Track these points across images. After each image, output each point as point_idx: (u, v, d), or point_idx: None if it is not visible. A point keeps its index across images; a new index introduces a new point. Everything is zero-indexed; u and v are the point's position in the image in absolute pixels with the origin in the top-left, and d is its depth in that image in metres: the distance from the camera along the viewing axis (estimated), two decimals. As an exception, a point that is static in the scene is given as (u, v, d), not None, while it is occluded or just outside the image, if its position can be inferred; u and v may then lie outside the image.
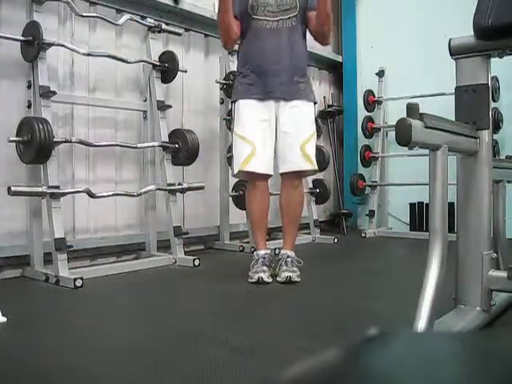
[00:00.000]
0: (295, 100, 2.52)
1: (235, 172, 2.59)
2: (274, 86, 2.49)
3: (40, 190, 2.47)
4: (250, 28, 2.53)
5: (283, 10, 2.50)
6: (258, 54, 2.51)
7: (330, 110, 4.86)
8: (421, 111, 1.36)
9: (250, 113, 2.52)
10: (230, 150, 3.36)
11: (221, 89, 3.57)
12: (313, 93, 2.64)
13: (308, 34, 2.64)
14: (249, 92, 2.53)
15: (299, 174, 2.61)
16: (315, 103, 2.65)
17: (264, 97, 2.51)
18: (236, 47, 2.82)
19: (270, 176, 2.59)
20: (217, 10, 2.58)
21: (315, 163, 2.58)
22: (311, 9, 2.54)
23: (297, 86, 2.52)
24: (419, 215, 4.35)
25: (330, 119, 4.92)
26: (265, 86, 2.50)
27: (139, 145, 3.05)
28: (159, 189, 3.07)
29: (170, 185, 3.08)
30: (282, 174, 2.60)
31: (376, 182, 4.58)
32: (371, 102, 4.72)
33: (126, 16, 3.03)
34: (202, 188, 3.20)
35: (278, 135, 2.55)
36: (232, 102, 2.64)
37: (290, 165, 2.53)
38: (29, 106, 2.62)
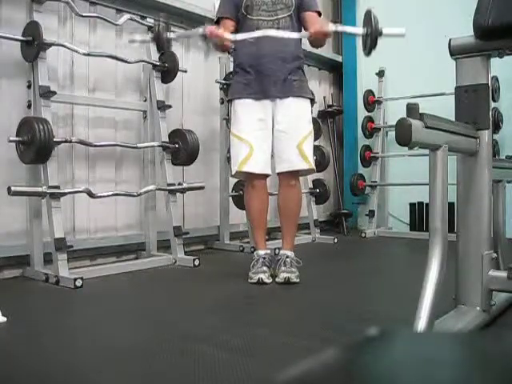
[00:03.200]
0: (291, 97, 2.51)
1: (233, 173, 2.60)
2: (270, 86, 2.49)
3: (40, 189, 2.47)
4: (245, 28, 2.52)
5: (279, 8, 2.50)
6: (253, 54, 2.50)
7: (329, 109, 4.86)
8: (421, 111, 1.36)
9: (247, 112, 2.52)
10: (229, 150, 3.37)
11: (221, 89, 3.57)
12: (308, 89, 2.63)
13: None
14: (244, 91, 2.53)
15: (296, 174, 2.60)
16: (312, 100, 2.65)
17: (259, 96, 2.51)
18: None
19: (267, 176, 2.59)
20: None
21: (312, 162, 2.57)
22: (306, 9, 2.54)
23: (291, 85, 2.52)
24: (419, 215, 4.35)
25: (330, 119, 4.92)
26: (260, 86, 2.50)
27: (139, 145, 3.05)
28: (159, 189, 3.07)
29: (169, 185, 3.08)
30: (278, 174, 2.60)
31: (376, 182, 4.58)
32: (371, 101, 4.72)
33: (126, 16, 3.03)
34: (202, 188, 3.20)
35: (274, 134, 2.54)
36: (228, 101, 2.64)
37: (286, 164, 2.53)
38: (29, 106, 2.62)
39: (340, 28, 2.38)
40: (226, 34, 2.35)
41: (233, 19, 2.54)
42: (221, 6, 2.61)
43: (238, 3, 2.52)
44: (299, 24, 2.57)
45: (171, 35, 2.31)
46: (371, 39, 2.12)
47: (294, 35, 2.49)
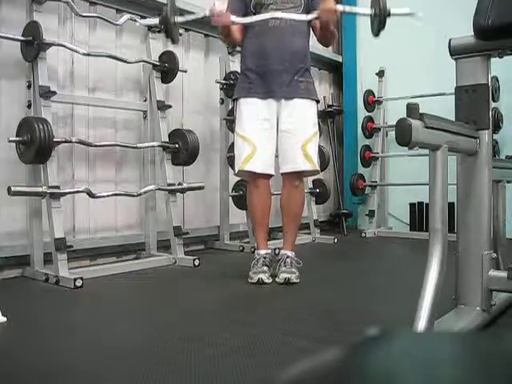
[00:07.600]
0: (296, 99, 2.51)
1: (236, 171, 2.60)
2: (275, 86, 2.48)
3: (40, 189, 2.47)
4: (253, 26, 2.51)
5: (287, 7, 2.49)
6: (259, 53, 2.50)
7: (330, 109, 4.86)
8: (421, 111, 1.36)
9: (251, 112, 2.51)
10: (230, 149, 3.37)
11: (221, 89, 3.57)
12: (315, 91, 2.63)
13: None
14: (250, 90, 2.52)
15: (300, 175, 2.60)
16: (317, 102, 2.64)
17: (265, 96, 2.50)
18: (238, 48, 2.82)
19: (271, 176, 2.58)
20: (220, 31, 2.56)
21: (316, 164, 2.56)
22: (315, 9, 2.53)
23: (297, 86, 2.51)
24: (419, 215, 4.35)
25: (329, 119, 4.92)
26: (266, 86, 2.49)
27: (139, 145, 3.05)
28: (159, 189, 3.07)
29: (170, 185, 3.08)
30: (282, 174, 2.59)
31: (376, 182, 4.58)
32: (371, 102, 4.72)
33: (126, 16, 3.02)
34: (202, 188, 3.20)
35: (279, 134, 2.53)
36: (233, 100, 2.64)
37: (290, 165, 2.52)
38: (29, 106, 2.62)
39: (348, 9, 2.41)
40: (233, 16, 2.33)
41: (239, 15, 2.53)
42: (229, 4, 2.57)
43: (246, 2, 2.52)
44: (309, 26, 2.57)
45: (178, 19, 2.28)
46: (379, 20, 2.12)
47: (303, 17, 2.45)
